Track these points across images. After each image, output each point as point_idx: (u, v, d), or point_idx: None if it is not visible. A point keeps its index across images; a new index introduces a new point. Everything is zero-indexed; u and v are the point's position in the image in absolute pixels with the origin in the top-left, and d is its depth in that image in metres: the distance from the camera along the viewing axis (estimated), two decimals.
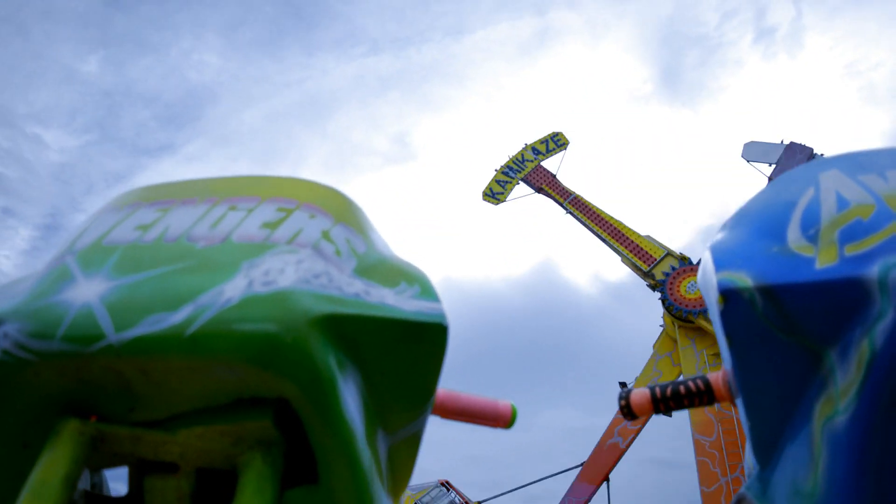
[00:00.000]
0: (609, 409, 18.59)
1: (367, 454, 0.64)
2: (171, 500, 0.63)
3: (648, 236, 19.83)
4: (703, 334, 17.31)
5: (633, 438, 18.15)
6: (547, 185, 22.00)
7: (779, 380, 0.69)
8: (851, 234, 0.65)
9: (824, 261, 0.65)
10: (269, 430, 0.60)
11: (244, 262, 0.62)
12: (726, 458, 15.83)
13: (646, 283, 19.08)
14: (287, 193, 0.74)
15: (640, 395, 0.87)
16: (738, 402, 0.75)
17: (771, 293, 0.65)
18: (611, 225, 20.29)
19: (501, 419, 0.86)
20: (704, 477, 16.06)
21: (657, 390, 0.86)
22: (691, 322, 17.32)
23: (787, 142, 18.48)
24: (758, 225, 0.75)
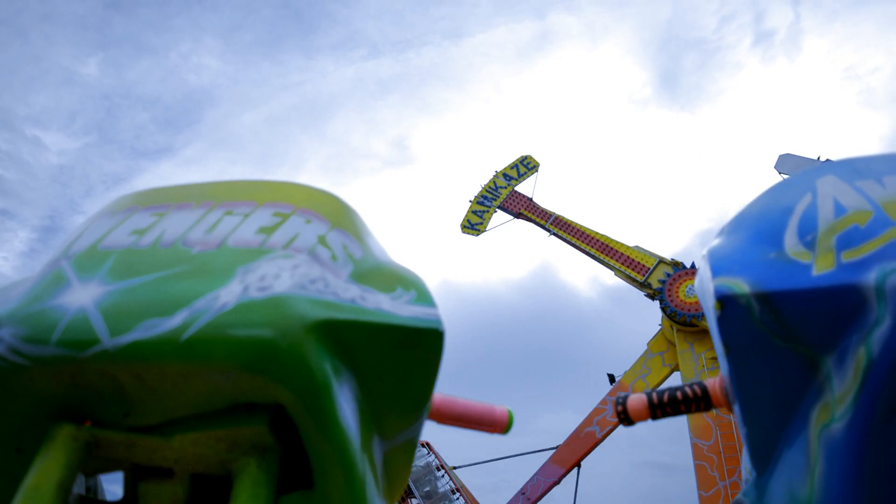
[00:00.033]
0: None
1: (363, 460, 0.63)
2: None
3: (637, 246, 19.89)
4: (703, 338, 17.35)
5: (611, 430, 18.36)
6: (525, 209, 22.04)
7: (775, 386, 0.68)
8: (848, 240, 0.65)
9: (821, 267, 0.65)
10: (264, 435, 0.60)
11: (240, 268, 0.62)
12: (724, 463, 15.84)
13: (643, 293, 19.13)
14: (283, 198, 0.73)
15: (637, 400, 0.86)
16: (735, 408, 0.74)
17: (768, 299, 0.65)
18: (597, 240, 20.33)
19: (498, 425, 0.85)
20: (702, 481, 16.08)
21: (654, 396, 0.85)
22: (694, 325, 17.37)
23: (823, 158, 18.41)
24: (755, 231, 0.75)
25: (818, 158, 18.41)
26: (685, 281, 18.22)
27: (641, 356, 19.05)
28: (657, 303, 18.39)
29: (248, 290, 0.59)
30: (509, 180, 22.90)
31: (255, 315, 0.57)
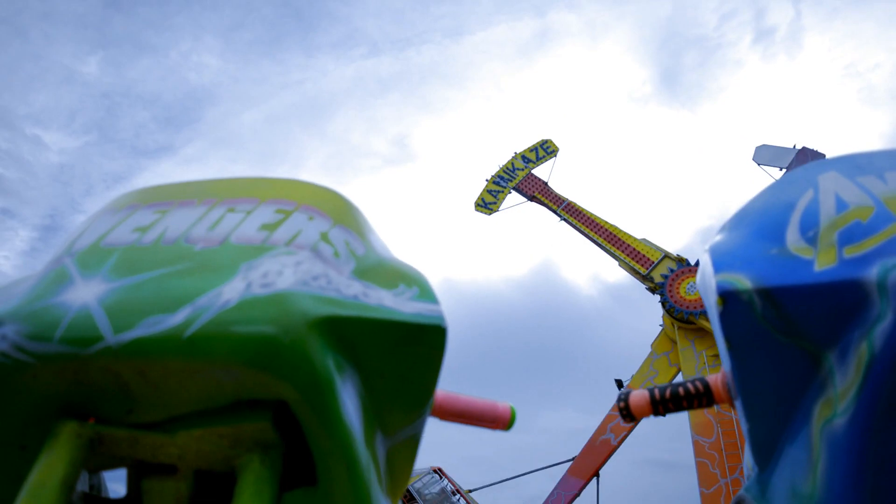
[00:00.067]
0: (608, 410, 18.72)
1: (366, 456, 0.63)
2: (170, 502, 0.63)
3: (644, 239, 19.86)
4: (703, 335, 17.34)
5: (626, 436, 18.28)
6: (539, 192, 22.02)
7: (778, 382, 0.68)
8: (850, 235, 0.65)
9: (823, 263, 0.65)
10: (267, 432, 0.60)
11: (242, 264, 0.62)
12: (726, 460, 15.83)
13: (645, 286, 19.11)
14: (285, 195, 0.73)
15: (639, 396, 0.86)
16: (737, 404, 0.75)
17: (770, 295, 0.65)
18: (606, 230, 20.30)
19: (500, 421, 0.85)
20: (704, 478, 16.07)
21: (656, 392, 0.85)
22: (693, 323, 17.35)
23: (799, 146, 18.44)
24: (757, 227, 0.75)
25: (794, 147, 18.46)
26: (687, 278, 18.20)
27: (647, 359, 18.98)
28: (658, 301, 18.38)
29: (250, 286, 0.59)
30: (527, 163, 22.89)
31: (257, 312, 0.57)
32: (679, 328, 17.99)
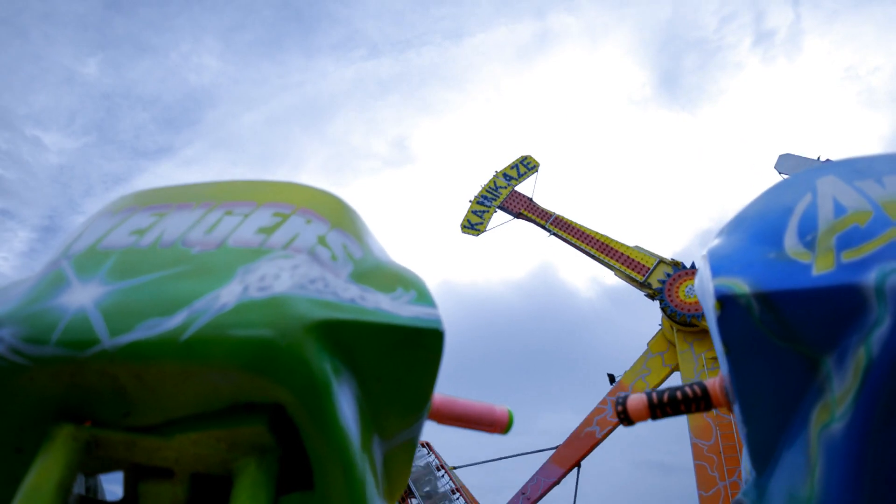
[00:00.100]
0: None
1: (363, 460, 0.63)
2: None
3: (637, 246, 19.92)
4: (703, 338, 17.37)
5: (611, 430, 18.45)
6: (525, 209, 22.07)
7: (775, 386, 0.68)
8: (848, 240, 0.65)
9: (821, 267, 0.65)
10: (264, 435, 0.60)
11: (240, 268, 0.62)
12: (724, 463, 15.85)
13: (644, 293, 19.15)
14: (283, 198, 0.73)
15: (636, 400, 0.86)
16: (735, 408, 0.74)
17: (768, 300, 0.65)
18: (597, 240, 20.36)
19: (498, 425, 0.85)
20: (702, 481, 16.09)
21: (654, 396, 0.85)
22: (695, 326, 17.39)
23: (823, 158, 18.38)
24: (755, 231, 0.75)
25: (818, 158, 18.40)
26: (685, 281, 18.25)
27: (641, 356, 19.10)
28: (657, 303, 18.42)
29: (247, 290, 0.59)
30: (509, 180, 22.91)
31: (254, 315, 0.57)
32: (678, 331, 18.02)
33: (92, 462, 0.62)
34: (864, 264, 0.62)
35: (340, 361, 0.61)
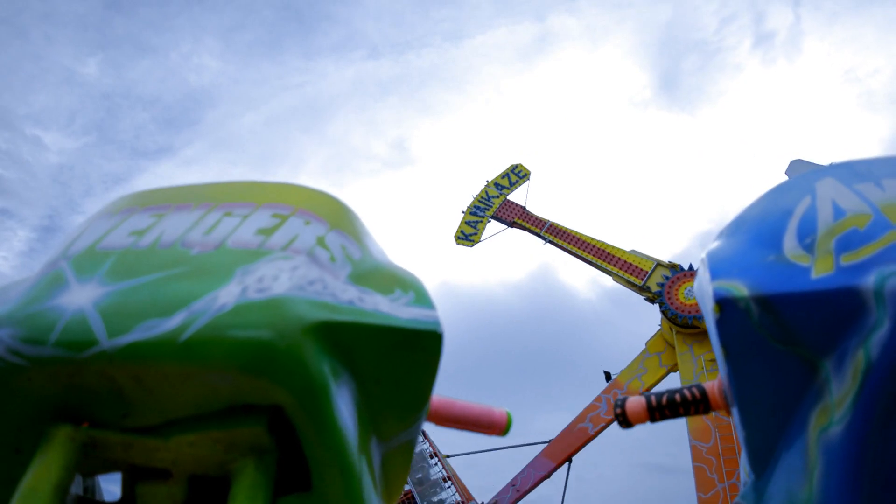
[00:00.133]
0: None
1: (361, 462, 0.63)
2: None
3: (634, 251, 19.95)
4: (702, 340, 17.39)
5: (604, 427, 18.58)
6: (519, 217, 22.08)
7: (774, 389, 0.68)
8: (847, 243, 0.65)
9: (820, 270, 0.65)
10: (262, 437, 0.60)
11: (238, 269, 0.62)
12: (723, 465, 15.87)
13: (643, 297, 19.17)
14: (282, 199, 0.73)
15: (635, 403, 0.86)
16: (734, 411, 0.74)
17: (767, 303, 0.65)
18: (594, 246, 20.38)
19: (497, 427, 0.85)
20: (701, 483, 16.10)
21: (653, 399, 0.85)
22: (696, 327, 17.41)
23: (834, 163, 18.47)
24: (754, 233, 0.75)
25: (830, 164, 18.38)
26: (684, 283, 18.28)
27: (639, 355, 19.16)
28: (657, 305, 18.45)
29: (246, 291, 0.59)
30: (501, 189, 22.94)
31: (253, 316, 0.57)
32: (677, 332, 18.05)
33: (90, 463, 0.62)
34: (863, 267, 0.62)
35: (339, 363, 0.61)
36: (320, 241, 0.69)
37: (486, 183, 23.16)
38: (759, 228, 0.75)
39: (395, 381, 0.67)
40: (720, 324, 0.68)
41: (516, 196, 22.83)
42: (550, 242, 21.19)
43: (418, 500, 20.49)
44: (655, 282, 18.74)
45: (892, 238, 0.63)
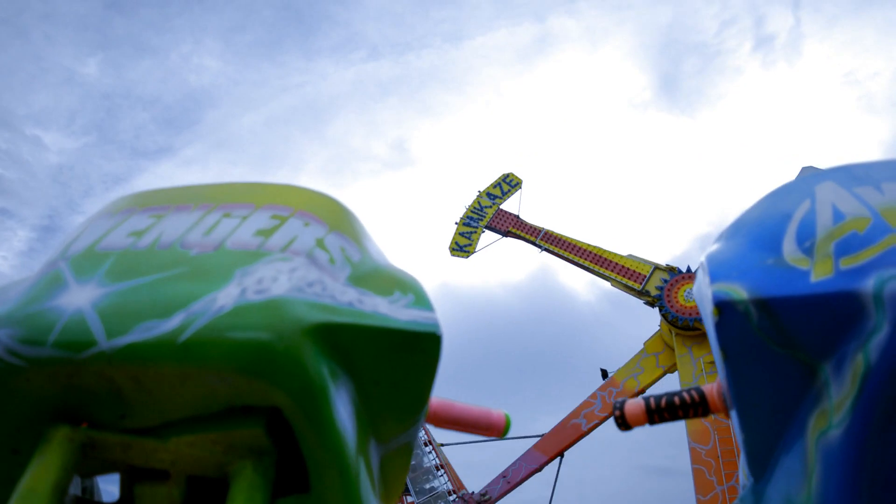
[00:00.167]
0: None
1: (359, 464, 0.63)
2: None
3: (631, 255, 19.98)
4: (701, 342, 17.40)
5: (597, 425, 18.64)
6: (513, 226, 22.07)
7: (773, 393, 0.68)
8: (847, 247, 0.65)
9: (819, 274, 0.65)
10: (260, 438, 0.60)
11: (237, 270, 0.62)
12: (722, 467, 15.87)
13: (643, 301, 19.19)
14: (282, 201, 0.73)
15: (634, 405, 0.86)
16: (733, 414, 0.74)
17: (766, 306, 0.65)
18: (590, 252, 20.39)
19: (495, 428, 0.86)
20: (700, 485, 16.11)
21: (651, 401, 0.85)
22: (697, 329, 17.42)
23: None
24: (754, 236, 0.75)
25: None
26: (683, 285, 18.31)
27: (636, 355, 19.20)
28: (659, 312, 18.47)
29: (245, 292, 0.59)
30: (493, 199, 22.92)
31: (252, 318, 0.57)
32: (676, 334, 18.06)
33: (88, 463, 0.62)
34: (862, 271, 0.62)
35: (338, 365, 0.61)
36: (319, 243, 0.69)
37: (477, 193, 23.13)
38: (758, 231, 0.75)
39: (394, 383, 0.67)
40: (719, 327, 0.68)
41: (509, 205, 22.85)
42: (546, 250, 21.19)
43: (410, 487, 20.60)
44: (654, 285, 18.77)
45: (892, 242, 0.63)
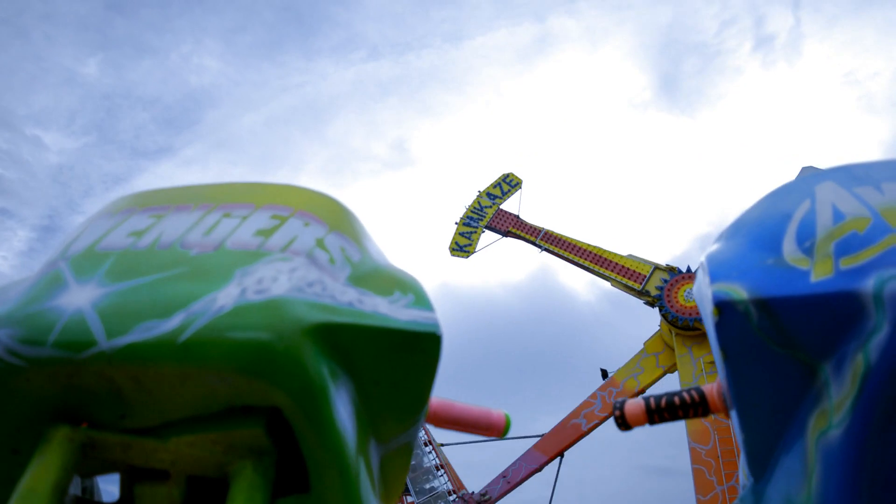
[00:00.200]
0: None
1: (359, 464, 0.63)
2: None
3: (631, 255, 19.98)
4: (701, 342, 17.40)
5: (597, 425, 18.66)
6: (513, 226, 22.06)
7: (773, 393, 0.68)
8: (847, 247, 0.65)
9: (819, 274, 0.65)
10: (260, 438, 0.60)
11: (237, 270, 0.62)
12: (722, 467, 15.87)
13: (643, 301, 19.18)
14: (282, 201, 0.73)
15: (634, 405, 0.86)
16: (733, 414, 0.74)
17: (766, 306, 0.65)
18: (590, 252, 20.39)
19: (495, 429, 0.86)
20: (700, 485, 16.11)
21: (651, 401, 0.85)
22: (697, 329, 17.42)
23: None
24: (754, 236, 0.75)
25: None
26: (683, 285, 18.31)
27: (637, 355, 19.22)
28: (659, 312, 18.48)
29: (245, 292, 0.59)
30: (493, 199, 22.90)
31: (252, 318, 0.57)
32: (677, 335, 18.06)
33: (88, 463, 0.62)
34: (862, 271, 0.62)
35: (338, 365, 0.61)
36: (319, 243, 0.69)
37: (477, 193, 23.12)
38: (758, 231, 0.75)
39: (394, 383, 0.67)
40: (719, 327, 0.68)
41: (509, 205, 22.83)
42: (546, 250, 21.19)
43: (410, 487, 20.64)
44: (654, 285, 18.78)
45: (892, 242, 0.63)
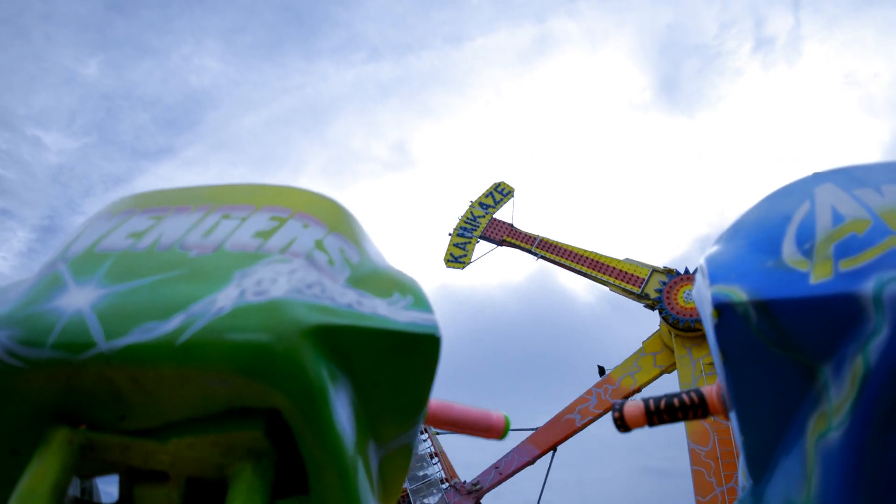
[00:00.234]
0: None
1: (358, 465, 0.63)
2: None
3: (628, 259, 19.96)
4: (700, 343, 17.40)
5: (591, 421, 18.68)
6: (508, 235, 22.02)
7: (773, 395, 0.68)
8: (846, 249, 0.65)
9: (819, 276, 0.65)
10: (259, 440, 0.60)
11: (237, 272, 0.62)
12: (722, 468, 15.87)
13: (642, 304, 19.18)
14: (281, 202, 0.73)
15: (633, 407, 0.86)
16: (732, 416, 0.74)
17: (765, 308, 0.65)
18: (587, 258, 20.35)
19: (494, 430, 0.86)
20: (700, 487, 16.10)
21: (651, 403, 0.85)
22: (698, 330, 17.41)
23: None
24: (753, 238, 0.75)
25: None
26: (683, 287, 18.32)
27: (634, 353, 19.22)
28: (659, 314, 18.47)
29: (244, 294, 0.59)
30: (486, 209, 22.85)
31: (251, 319, 0.57)
32: (676, 336, 18.06)
33: (87, 465, 0.62)
34: (862, 273, 0.62)
35: (337, 366, 0.61)
36: (319, 245, 0.69)
37: (470, 203, 23.03)
38: (757, 233, 0.75)
39: (393, 385, 0.67)
40: (719, 329, 0.68)
41: (502, 214, 22.78)
42: (542, 258, 21.15)
43: None
44: (653, 288, 18.78)
45: (891, 244, 0.63)
